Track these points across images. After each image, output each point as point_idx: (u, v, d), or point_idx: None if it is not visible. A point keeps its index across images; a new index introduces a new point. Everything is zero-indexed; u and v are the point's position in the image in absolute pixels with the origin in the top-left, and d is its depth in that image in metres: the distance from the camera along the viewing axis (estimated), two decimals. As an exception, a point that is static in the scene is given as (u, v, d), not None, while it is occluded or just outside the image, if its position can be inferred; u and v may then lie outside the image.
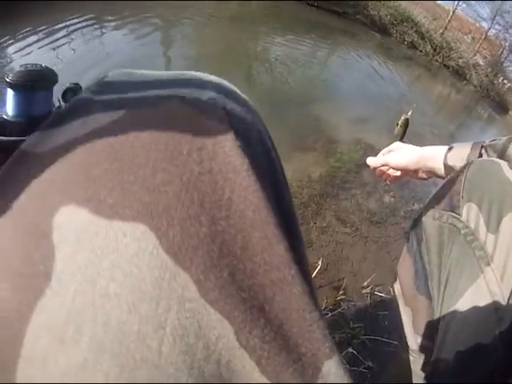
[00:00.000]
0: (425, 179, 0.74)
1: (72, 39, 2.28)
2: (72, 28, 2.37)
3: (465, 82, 3.27)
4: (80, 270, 0.19)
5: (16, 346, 0.18)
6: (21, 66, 0.34)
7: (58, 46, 2.16)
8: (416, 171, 0.70)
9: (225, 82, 0.31)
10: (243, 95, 0.31)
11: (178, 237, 0.21)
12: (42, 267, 0.20)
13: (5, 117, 0.34)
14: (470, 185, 0.57)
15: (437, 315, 0.56)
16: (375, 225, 1.53)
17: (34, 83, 0.34)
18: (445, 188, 0.62)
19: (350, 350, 1.15)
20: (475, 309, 0.48)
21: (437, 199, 0.62)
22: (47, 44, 2.10)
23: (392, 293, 1.32)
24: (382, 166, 0.75)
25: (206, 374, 0.19)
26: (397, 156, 0.71)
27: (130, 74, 0.31)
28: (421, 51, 3.34)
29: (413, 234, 0.68)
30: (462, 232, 0.55)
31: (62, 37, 2.25)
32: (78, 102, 0.28)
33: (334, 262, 1.36)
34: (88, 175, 0.22)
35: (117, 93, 0.28)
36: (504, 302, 0.46)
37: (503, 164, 0.58)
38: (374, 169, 0.79)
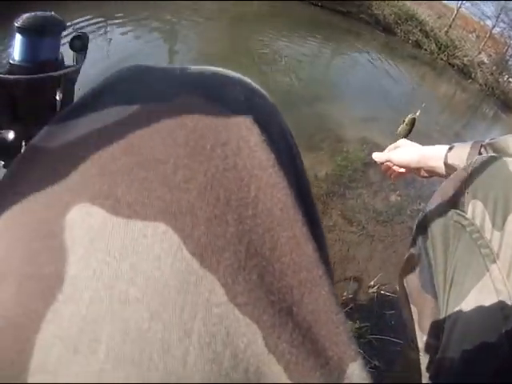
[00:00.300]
0: (426, 177, 0.75)
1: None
2: (78, 27, 2.38)
3: (470, 80, 3.25)
4: (95, 274, 0.18)
5: (25, 356, 0.17)
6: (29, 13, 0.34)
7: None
8: (418, 169, 0.71)
9: (246, 78, 0.30)
10: (264, 91, 0.31)
11: (204, 237, 0.19)
12: (52, 270, 0.18)
13: (11, 61, 0.34)
14: (475, 182, 0.57)
15: (442, 314, 0.56)
16: (381, 224, 1.53)
17: (42, 28, 0.34)
18: (449, 185, 0.62)
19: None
20: (481, 307, 0.48)
21: (441, 196, 0.62)
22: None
23: (398, 292, 1.32)
24: (386, 161, 0.76)
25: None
26: (400, 153, 0.73)
27: (147, 69, 0.30)
28: (425, 50, 3.32)
29: (418, 231, 0.67)
30: (468, 229, 0.55)
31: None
32: (89, 96, 0.27)
33: (341, 261, 1.35)
34: (103, 171, 0.21)
35: (133, 87, 0.27)
36: (510, 301, 0.45)
37: (509, 161, 0.58)
38: (381, 164, 0.80)
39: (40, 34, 0.35)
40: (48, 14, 0.36)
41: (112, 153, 0.22)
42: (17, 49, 0.35)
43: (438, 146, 0.68)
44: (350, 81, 2.80)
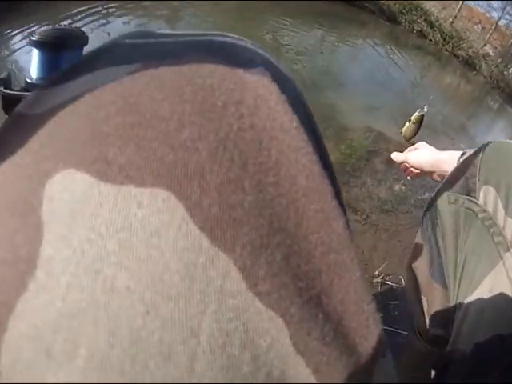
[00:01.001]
0: (439, 181, 0.75)
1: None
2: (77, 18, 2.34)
3: (475, 72, 3.21)
4: (76, 256, 0.14)
5: None
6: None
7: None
8: (432, 172, 0.74)
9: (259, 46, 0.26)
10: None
11: (216, 207, 0.15)
12: (24, 252, 0.14)
13: (28, 80, 0.31)
14: (487, 167, 0.55)
15: (453, 304, 0.54)
16: (386, 213, 1.50)
17: (61, 41, 0.31)
18: (460, 170, 0.61)
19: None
20: (494, 297, 0.46)
21: (451, 182, 0.61)
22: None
23: (402, 282, 1.29)
24: (404, 162, 0.80)
25: None
26: (417, 155, 0.76)
27: (150, 32, 0.25)
28: (430, 40, 3.27)
29: (427, 219, 0.66)
30: (480, 216, 0.53)
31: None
32: (83, 59, 0.23)
33: (344, 250, 1.33)
34: (94, 133, 0.17)
35: (134, 47, 0.23)
36: None
37: None
38: (399, 164, 0.83)
39: (59, 48, 0.32)
40: (68, 27, 0.32)
41: (106, 114, 0.17)
42: (34, 65, 0.31)
43: (452, 151, 0.70)
44: (354, 70, 2.75)
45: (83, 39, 0.32)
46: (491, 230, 0.51)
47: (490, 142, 0.59)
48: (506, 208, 0.50)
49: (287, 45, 2.71)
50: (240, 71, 0.20)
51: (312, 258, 0.17)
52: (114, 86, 0.19)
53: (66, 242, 0.14)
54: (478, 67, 3.45)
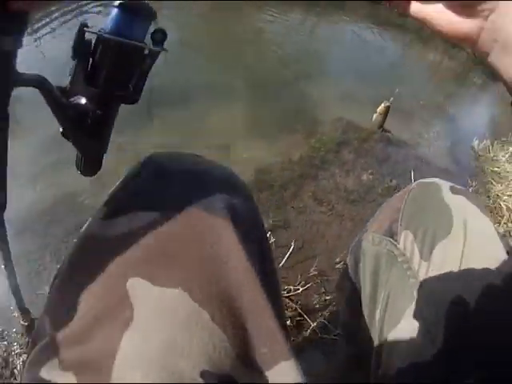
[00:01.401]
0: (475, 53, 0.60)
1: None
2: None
3: (457, 48, 3.18)
4: (148, 319, 0.32)
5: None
6: None
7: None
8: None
9: (233, 178, 0.46)
10: (247, 190, 0.47)
11: (201, 294, 0.34)
12: (123, 312, 0.31)
13: (102, 31, 0.38)
14: (409, 211, 0.61)
15: (375, 339, 0.60)
16: (351, 203, 1.59)
17: (139, 9, 0.38)
18: (386, 212, 0.66)
19: (322, 319, 1.25)
20: (411, 332, 0.52)
21: (377, 223, 0.65)
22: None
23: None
24: None
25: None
26: None
27: (157, 170, 0.44)
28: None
29: (352, 256, 0.71)
30: (399, 260, 0.58)
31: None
32: (126, 200, 0.41)
33: (310, 241, 1.44)
34: (147, 257, 0.35)
35: (147, 194, 0.41)
36: (434, 326, 0.50)
37: (444, 185, 0.62)
38: None
39: (136, 14, 0.38)
40: (146, 2, 0.40)
41: (153, 245, 0.36)
42: (111, 22, 0.38)
43: None
44: (333, 55, 2.76)
45: (154, 15, 0.40)
46: (408, 273, 0.56)
47: (416, 184, 0.65)
48: (421, 253, 0.56)
49: (262, 32, 2.70)
50: (212, 218, 0.38)
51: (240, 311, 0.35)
52: (150, 227, 0.36)
53: (144, 311, 0.32)
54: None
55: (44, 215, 1.38)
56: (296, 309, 1.26)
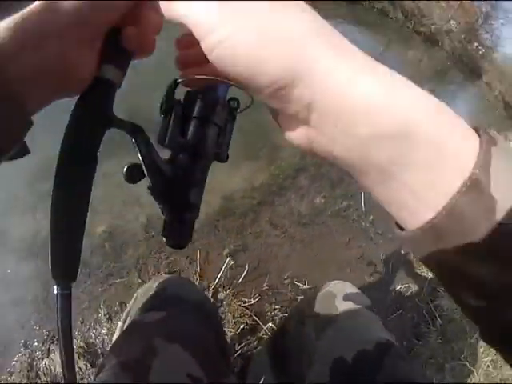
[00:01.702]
0: None
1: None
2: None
3: (437, 47, 3.23)
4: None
5: None
6: None
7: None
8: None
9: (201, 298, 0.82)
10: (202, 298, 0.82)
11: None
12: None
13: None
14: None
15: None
16: (302, 226, 1.89)
17: None
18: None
19: (271, 323, 1.61)
20: None
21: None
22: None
23: (306, 282, 1.73)
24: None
25: None
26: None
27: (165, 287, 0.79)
28: (391, 18, 3.26)
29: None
30: None
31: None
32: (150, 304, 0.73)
33: (264, 261, 1.76)
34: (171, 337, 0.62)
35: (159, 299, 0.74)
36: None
37: (339, 293, 0.82)
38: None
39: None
40: None
41: (178, 331, 0.65)
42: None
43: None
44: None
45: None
46: None
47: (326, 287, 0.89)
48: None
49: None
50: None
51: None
52: (164, 321, 0.67)
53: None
54: (440, 43, 3.45)
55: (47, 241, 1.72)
56: (251, 315, 1.62)
